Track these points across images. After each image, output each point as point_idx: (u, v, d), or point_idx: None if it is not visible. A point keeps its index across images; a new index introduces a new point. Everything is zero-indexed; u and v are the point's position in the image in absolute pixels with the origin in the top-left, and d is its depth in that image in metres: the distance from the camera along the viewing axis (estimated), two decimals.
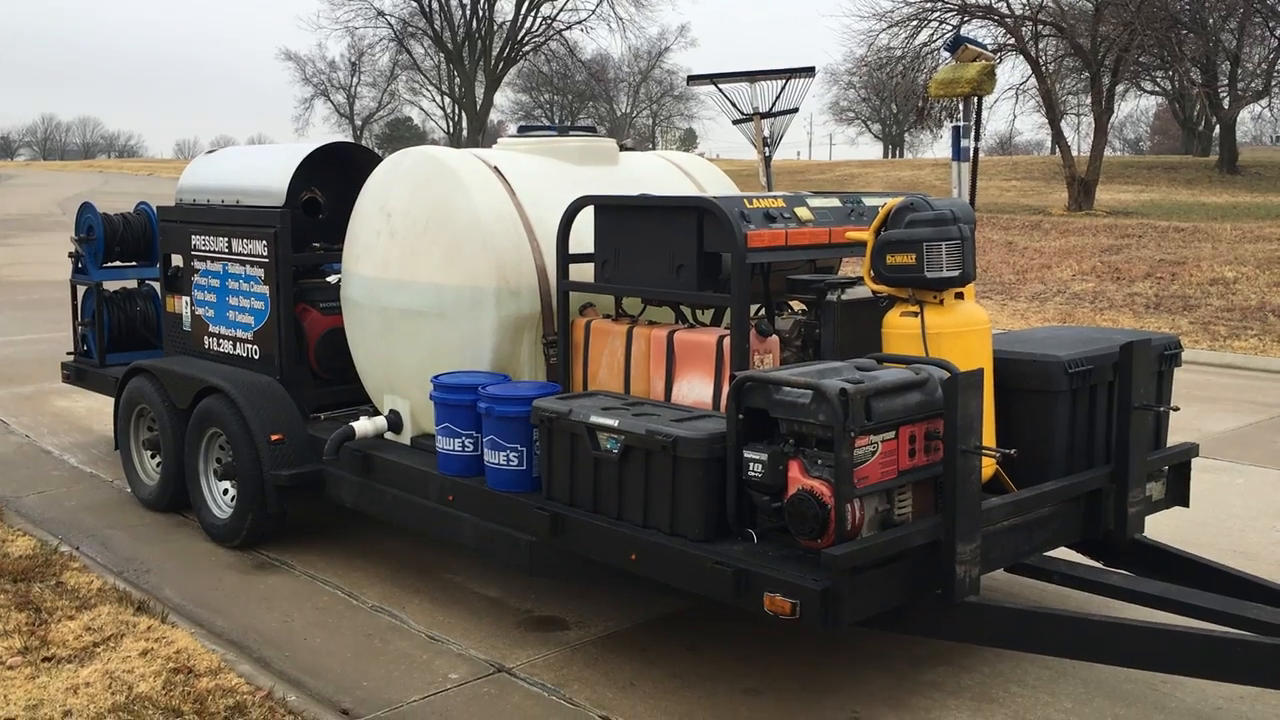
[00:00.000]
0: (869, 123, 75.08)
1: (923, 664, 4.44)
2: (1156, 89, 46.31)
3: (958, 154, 5.44)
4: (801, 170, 44.46)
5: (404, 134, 66.30)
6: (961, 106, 5.64)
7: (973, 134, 5.50)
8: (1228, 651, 3.55)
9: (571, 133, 5.83)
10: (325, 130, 66.72)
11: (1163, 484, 4.72)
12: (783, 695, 4.21)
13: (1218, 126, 39.38)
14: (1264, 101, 36.07)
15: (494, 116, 55.87)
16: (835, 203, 4.77)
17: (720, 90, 7.27)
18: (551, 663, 4.51)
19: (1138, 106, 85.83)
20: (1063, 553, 4.54)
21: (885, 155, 73.14)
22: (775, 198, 4.59)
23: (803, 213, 4.58)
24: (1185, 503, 4.81)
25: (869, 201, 4.87)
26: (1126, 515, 4.40)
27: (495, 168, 5.27)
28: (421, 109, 66.61)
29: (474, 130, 51.17)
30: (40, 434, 8.30)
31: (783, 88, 7.02)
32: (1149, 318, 13.72)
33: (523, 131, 5.85)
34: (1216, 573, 4.35)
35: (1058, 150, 29.43)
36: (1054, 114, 29.48)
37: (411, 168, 5.41)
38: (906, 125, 61.68)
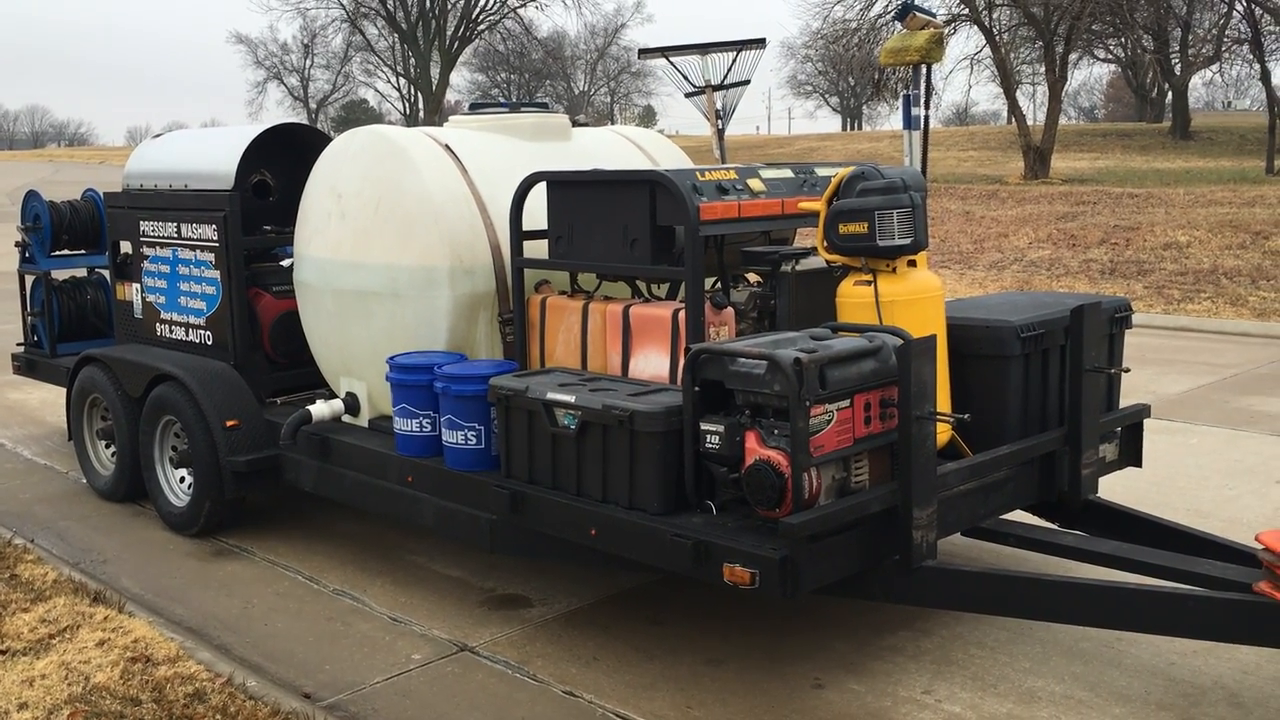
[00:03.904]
0: (827, 96, 75.16)
1: (883, 629, 4.48)
2: (1109, 56, 46.69)
3: (908, 122, 5.46)
4: (760, 145, 44.50)
5: (359, 116, 65.52)
6: (911, 75, 5.65)
7: (923, 102, 5.52)
8: (1181, 607, 3.61)
9: (524, 109, 5.78)
10: (280, 114, 65.80)
11: (1116, 445, 4.78)
12: (745, 665, 4.24)
13: (1170, 93, 39.80)
14: (1215, 67, 36.50)
15: (451, 97, 55.36)
16: (788, 174, 4.77)
17: (671, 63, 7.23)
18: (515, 640, 4.51)
19: (1091, 74, 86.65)
20: (1019, 515, 4.59)
21: (844, 128, 73.29)
22: (728, 170, 4.58)
23: (755, 184, 4.58)
24: (1138, 463, 4.87)
25: (821, 172, 4.87)
26: (1080, 477, 4.45)
27: (446, 145, 5.22)
28: (377, 90, 65.98)
29: (430, 111, 50.68)
30: None
31: (734, 60, 7.00)
32: (1104, 283, 13.86)
33: (474, 109, 5.80)
34: (1169, 530, 4.42)
35: (1013, 120, 29.63)
36: (1008, 83, 29.66)
37: (361, 148, 5.35)
38: (864, 98, 61.84)
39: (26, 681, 3.96)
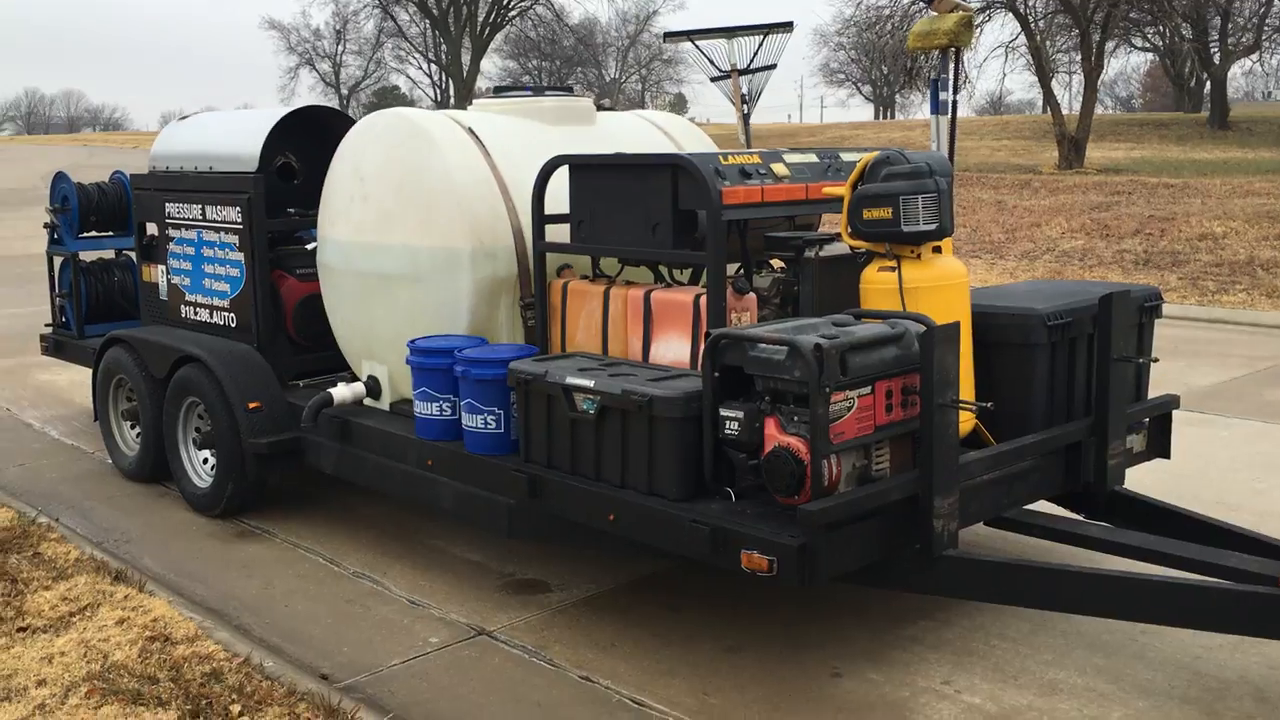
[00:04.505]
0: (859, 84, 74.54)
1: (902, 619, 4.43)
2: (1147, 45, 46.00)
3: (936, 107, 5.38)
4: (792, 133, 44.22)
5: (391, 102, 65.62)
6: (939, 59, 5.57)
7: (951, 87, 5.43)
8: (1206, 600, 3.55)
9: (548, 93, 5.75)
10: (312, 100, 65.90)
11: (1144, 436, 4.70)
12: (763, 652, 4.20)
13: (1209, 82, 39.22)
14: (1254, 56, 35.91)
15: (481, 83, 55.37)
16: (812, 158, 4.72)
17: (697, 47, 7.17)
18: (532, 625, 4.50)
19: (1128, 64, 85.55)
20: (1043, 506, 4.52)
21: (876, 117, 72.72)
22: (751, 154, 4.54)
23: (779, 169, 4.52)
24: (1166, 454, 4.79)
25: (846, 157, 4.81)
26: (1106, 467, 4.38)
27: (469, 129, 5.20)
28: (408, 77, 66.05)
29: (461, 97, 50.70)
30: (21, 407, 8.25)
31: (760, 44, 6.92)
32: (1138, 273, 13.68)
33: (498, 92, 5.77)
34: (1196, 523, 4.34)
35: (1048, 109, 29.29)
36: (1044, 72, 29.31)
37: (384, 130, 5.33)
38: (897, 86, 61.31)
39: (46, 658, 3.99)
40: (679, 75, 70.09)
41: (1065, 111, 29.30)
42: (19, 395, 8.60)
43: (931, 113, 5.43)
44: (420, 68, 62.62)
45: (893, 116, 69.88)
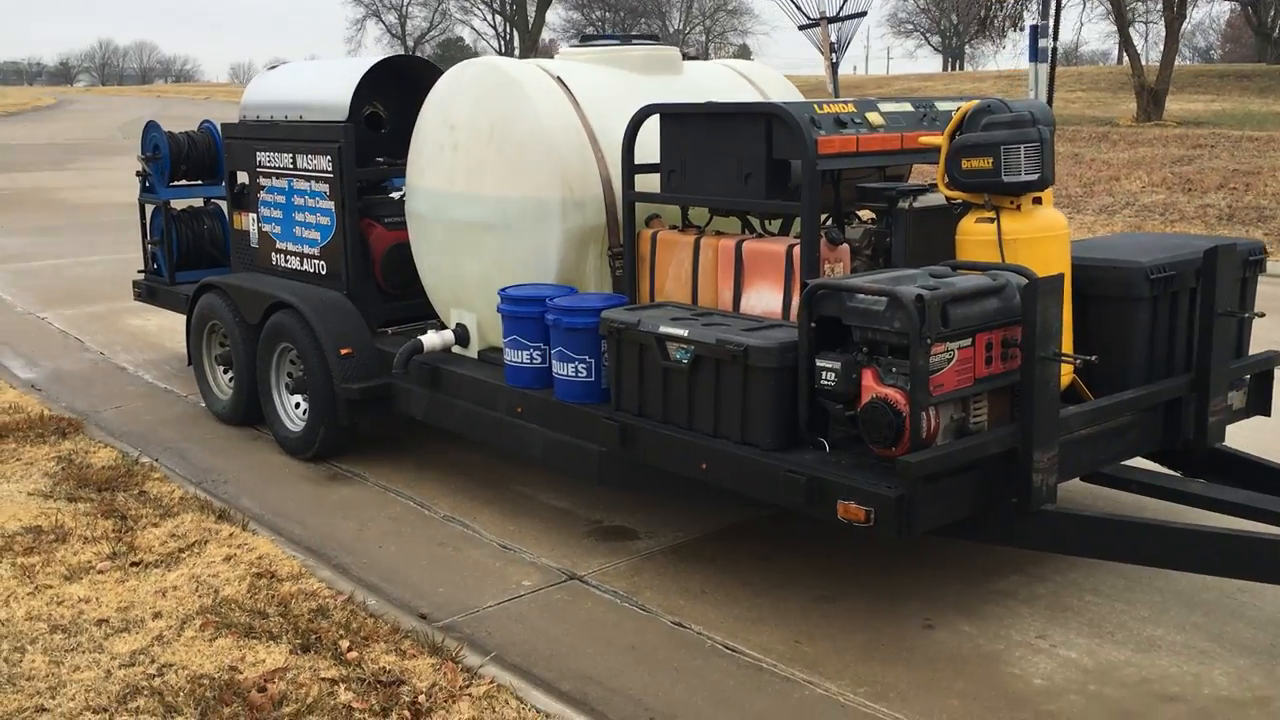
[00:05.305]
0: (928, 35, 73.06)
1: (994, 573, 4.43)
2: None
3: (1034, 55, 5.27)
4: (859, 85, 43.50)
5: (455, 54, 65.63)
6: (1039, 6, 5.43)
7: (1050, 34, 5.31)
8: None
9: (634, 41, 5.73)
10: (379, 51, 66.33)
11: (1244, 393, 4.63)
12: (854, 603, 4.23)
13: None
14: None
15: (545, 35, 55.16)
16: (907, 107, 4.66)
17: None
18: (622, 571, 4.57)
19: (1209, 13, 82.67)
20: (1138, 462, 4.48)
21: (945, 68, 71.26)
22: (846, 103, 4.48)
23: (874, 118, 4.47)
24: (1267, 412, 4.71)
25: (941, 106, 4.74)
26: (1206, 424, 4.32)
27: (558, 78, 5.20)
28: (473, 28, 66.08)
29: (526, 49, 50.60)
30: (114, 351, 8.47)
31: None
32: (1221, 228, 13.35)
33: (584, 41, 5.76)
34: None
35: (1125, 59, 28.49)
36: (1122, 20, 28.48)
37: (474, 79, 5.35)
38: (967, 37, 59.96)
39: (160, 592, 4.14)
40: (744, 26, 69.25)
41: (1143, 62, 28.49)
42: (111, 340, 8.83)
43: (1030, 60, 5.32)
44: (485, 19, 62.55)
45: (961, 68, 68.43)
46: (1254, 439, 4.84)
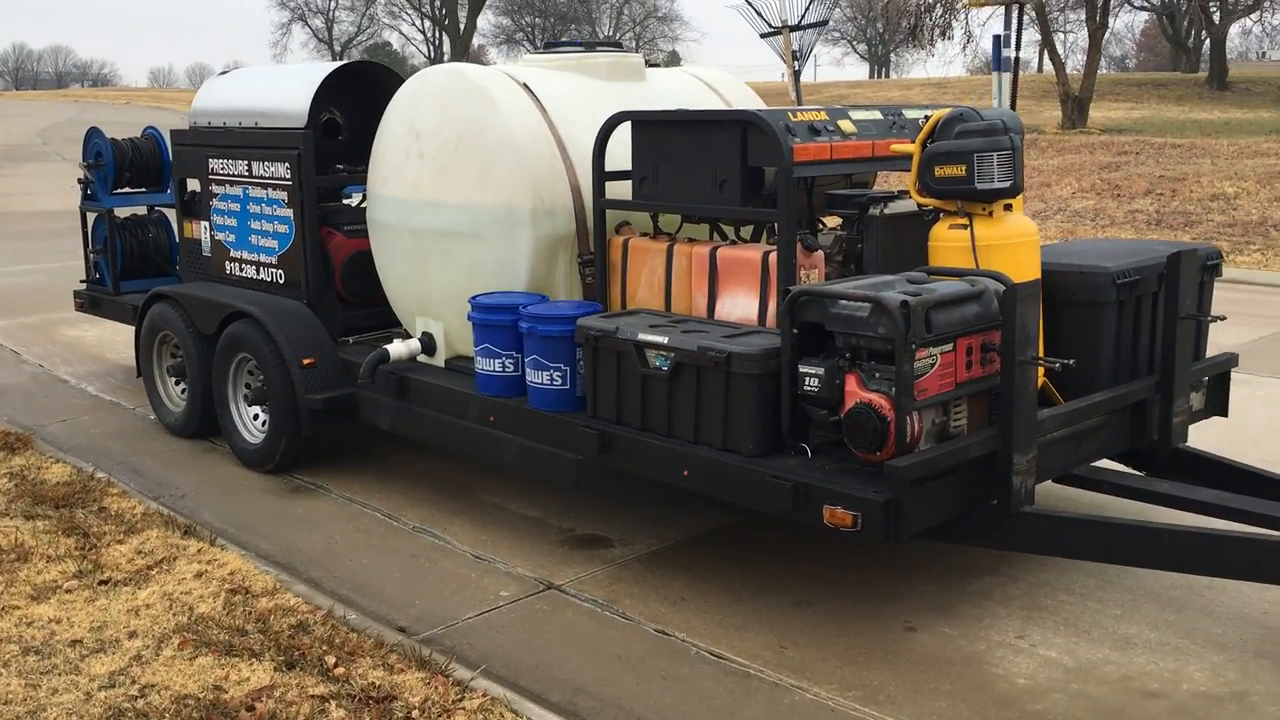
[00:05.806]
0: (854, 43, 74.06)
1: (968, 574, 4.49)
2: (1146, 4, 45.81)
3: (998, 64, 5.37)
4: (787, 92, 43.91)
5: (383, 59, 65.01)
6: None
7: (1013, 43, 5.42)
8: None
9: (598, 48, 5.73)
10: (304, 57, 65.41)
11: (1203, 394, 4.75)
12: (834, 607, 4.26)
13: (1207, 42, 39.09)
14: (1255, 15, 35.77)
15: (475, 40, 54.84)
16: (877, 115, 4.72)
17: (748, 3, 7.11)
18: (600, 579, 4.55)
19: (1126, 23, 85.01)
20: (1103, 464, 4.57)
21: (871, 76, 72.29)
22: (818, 110, 4.53)
23: (846, 126, 4.53)
24: (1224, 412, 4.85)
25: (910, 114, 4.82)
26: (1171, 425, 4.43)
27: (525, 84, 5.17)
28: (401, 33, 65.66)
29: (456, 55, 50.28)
30: (54, 363, 8.23)
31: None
32: (1150, 234, 13.71)
33: (548, 47, 5.74)
34: (1260, 477, 4.41)
35: (1046, 68, 29.15)
36: (1047, 30, 29.13)
37: (440, 86, 5.31)
38: (894, 44, 60.93)
39: (132, 610, 4.02)
40: (673, 33, 69.55)
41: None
42: (49, 351, 8.57)
43: (994, 69, 5.42)
44: (413, 24, 62.05)
45: (888, 75, 69.48)
46: (1204, 437, 4.97)
